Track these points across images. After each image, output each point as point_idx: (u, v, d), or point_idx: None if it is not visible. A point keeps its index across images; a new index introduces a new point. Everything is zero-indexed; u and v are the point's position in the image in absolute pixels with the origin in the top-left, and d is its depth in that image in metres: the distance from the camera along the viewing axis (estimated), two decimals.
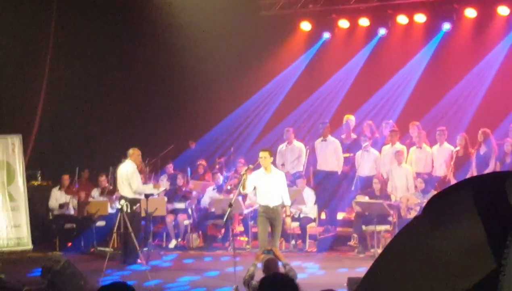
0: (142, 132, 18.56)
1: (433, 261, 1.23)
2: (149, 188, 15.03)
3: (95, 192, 17.19)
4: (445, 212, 1.26)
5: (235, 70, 19.19)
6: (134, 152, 14.70)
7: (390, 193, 15.41)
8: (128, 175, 14.40)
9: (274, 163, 16.42)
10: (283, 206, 12.62)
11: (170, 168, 17.98)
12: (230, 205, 11.79)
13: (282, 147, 17.02)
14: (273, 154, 12.99)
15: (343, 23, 19.09)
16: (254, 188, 12.67)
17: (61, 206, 16.80)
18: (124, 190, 14.43)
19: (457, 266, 1.22)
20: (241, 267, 11.61)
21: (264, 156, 12.50)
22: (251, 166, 12.67)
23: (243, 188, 12.38)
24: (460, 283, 1.21)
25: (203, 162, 18.21)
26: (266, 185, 12.48)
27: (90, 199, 16.94)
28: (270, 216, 12.46)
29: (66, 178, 17.01)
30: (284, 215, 12.65)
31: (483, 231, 1.20)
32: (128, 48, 19.28)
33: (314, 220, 15.89)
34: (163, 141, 18.45)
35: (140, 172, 16.25)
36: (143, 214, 15.03)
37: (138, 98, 19.70)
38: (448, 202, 1.27)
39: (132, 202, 14.31)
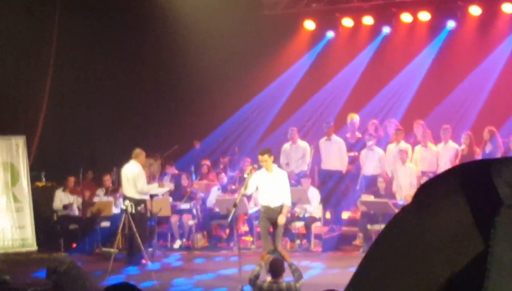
0: (146, 133, 18.56)
1: (421, 248, 1.24)
2: (154, 188, 15.00)
3: (100, 192, 17.18)
4: (431, 199, 1.27)
5: (239, 69, 19.16)
6: (140, 153, 14.69)
7: (395, 192, 15.37)
8: (134, 175, 14.38)
9: (278, 162, 16.45)
10: (284, 205, 12.56)
11: (172, 168, 17.98)
12: (235, 205, 11.76)
13: (286, 146, 16.98)
14: (272, 153, 12.88)
15: (347, 22, 19.05)
16: (257, 189, 12.62)
17: (65, 207, 16.79)
18: (129, 190, 14.40)
19: (445, 251, 1.23)
20: (246, 267, 11.58)
21: (264, 159, 12.43)
22: (255, 166, 12.63)
23: (245, 188, 12.35)
24: (448, 269, 1.22)
25: (208, 162, 18.18)
26: (268, 185, 12.42)
27: (95, 199, 16.93)
28: (271, 216, 12.41)
29: (71, 180, 17.02)
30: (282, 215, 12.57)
31: (470, 214, 1.22)
32: (131, 49, 19.25)
33: (319, 220, 15.85)
34: (167, 141, 18.44)
35: (148, 170, 16.24)
36: (148, 215, 15.02)
37: (142, 99, 19.68)
38: (434, 189, 1.29)
39: (137, 202, 14.28)
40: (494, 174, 1.24)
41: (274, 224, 12.40)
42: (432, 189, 1.31)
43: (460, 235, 1.24)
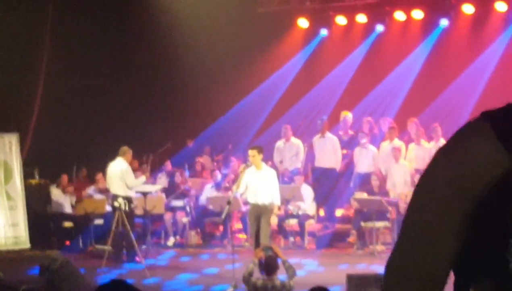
0: (140, 130, 18.52)
1: (450, 190, 1.48)
2: (141, 180, 14.98)
3: (92, 190, 17.16)
4: (457, 143, 1.53)
5: (232, 67, 19.17)
6: (126, 150, 14.71)
7: (389, 190, 15.39)
8: (122, 171, 14.37)
9: (272, 160, 16.47)
10: (273, 204, 12.54)
11: (168, 165, 17.97)
12: (229, 202, 11.79)
13: (280, 143, 17.00)
14: (262, 150, 12.86)
15: (341, 20, 19.06)
16: (247, 187, 12.59)
17: (59, 205, 16.77)
18: (115, 187, 14.39)
19: (473, 189, 1.47)
20: (239, 264, 11.59)
21: (253, 154, 12.42)
22: (249, 163, 12.62)
23: (237, 187, 12.37)
24: (474, 205, 1.47)
25: (201, 160, 18.19)
26: (256, 182, 12.41)
27: (88, 197, 16.92)
28: (258, 213, 12.39)
29: (64, 177, 17.00)
30: (271, 214, 12.57)
31: (498, 142, 1.46)
32: (124, 46, 19.20)
33: (312, 217, 15.87)
34: (161, 139, 18.42)
35: (137, 170, 16.24)
36: (141, 212, 15.03)
37: (135, 96, 19.65)
38: (461, 134, 1.54)
39: (129, 200, 14.29)
40: None
41: (260, 220, 12.35)
42: (458, 135, 1.56)
43: (491, 161, 1.47)
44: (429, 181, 1.55)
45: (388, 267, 1.56)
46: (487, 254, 1.45)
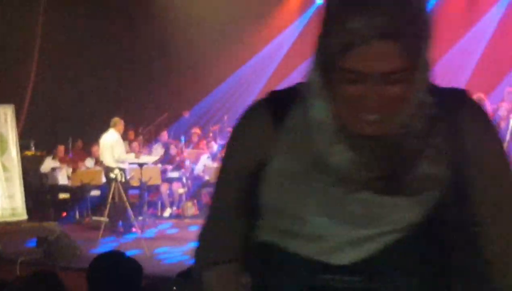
0: (136, 102, 18.49)
1: (232, 169, 1.92)
2: (131, 157, 14.98)
3: (89, 162, 17.15)
4: (240, 122, 2.02)
5: (228, 37, 19.07)
6: (118, 121, 14.67)
7: None
8: (112, 143, 14.36)
9: None
10: None
11: (164, 135, 17.94)
12: None
13: None
14: None
15: None
16: None
17: (54, 170, 16.74)
18: (107, 158, 14.39)
19: (248, 166, 1.88)
20: None
21: None
22: None
23: None
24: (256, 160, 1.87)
25: (197, 130, 18.16)
26: None
27: (84, 168, 16.91)
28: None
29: (61, 148, 16.98)
30: None
31: (272, 125, 1.88)
32: (120, 17, 19.11)
33: None
34: (157, 110, 18.39)
35: (134, 140, 16.22)
36: (137, 183, 15.02)
37: (131, 68, 19.60)
38: (245, 112, 2.01)
39: (124, 171, 14.29)
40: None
41: None
42: (247, 109, 1.93)
43: (265, 138, 1.80)
44: (222, 162, 1.93)
45: (200, 236, 1.95)
46: None
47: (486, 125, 1.82)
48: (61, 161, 17.04)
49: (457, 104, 1.83)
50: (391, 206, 1.70)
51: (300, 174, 1.73)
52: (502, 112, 14.96)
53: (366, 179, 1.69)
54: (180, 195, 16.45)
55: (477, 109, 1.83)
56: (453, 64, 17.06)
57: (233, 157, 1.89)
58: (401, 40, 1.62)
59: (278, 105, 1.86)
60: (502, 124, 14.90)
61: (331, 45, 1.68)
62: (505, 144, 14.75)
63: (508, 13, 17.03)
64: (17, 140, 16.62)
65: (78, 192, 16.30)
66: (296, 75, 19.09)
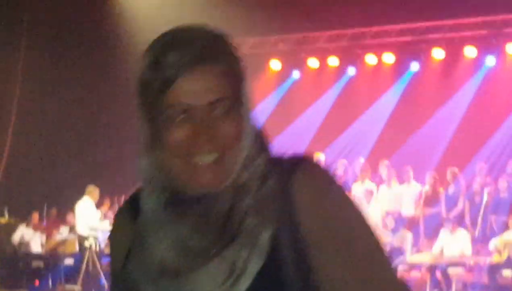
0: (112, 170, 18.41)
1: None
2: (105, 225, 14.94)
3: (64, 230, 17.00)
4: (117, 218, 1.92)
5: None
6: (93, 189, 14.71)
7: None
8: (86, 211, 14.36)
9: None
10: None
11: None
12: None
13: None
14: None
15: (313, 62, 19.23)
16: None
17: (28, 244, 16.59)
18: (81, 226, 14.35)
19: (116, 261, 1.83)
20: None
21: None
22: None
23: None
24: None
25: None
26: None
27: (58, 237, 16.76)
28: None
29: (35, 216, 16.84)
30: None
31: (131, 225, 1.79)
32: (97, 76, 19.05)
33: None
34: (134, 178, 18.28)
35: (109, 209, 16.14)
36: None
37: (109, 136, 19.55)
38: (119, 211, 1.94)
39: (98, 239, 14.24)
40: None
41: None
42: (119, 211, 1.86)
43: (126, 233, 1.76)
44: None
45: None
46: None
47: (319, 191, 1.66)
48: (35, 228, 16.88)
49: (289, 171, 1.70)
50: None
51: (140, 278, 1.66)
52: (476, 187, 15.12)
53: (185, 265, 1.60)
54: None
55: (309, 175, 1.69)
56: (429, 137, 17.29)
57: (111, 263, 1.85)
58: (218, 64, 1.62)
59: (134, 201, 1.78)
60: (476, 199, 15.04)
61: (152, 84, 1.60)
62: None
63: (482, 88, 17.36)
64: None
65: (52, 260, 16.13)
66: (273, 146, 19.26)
